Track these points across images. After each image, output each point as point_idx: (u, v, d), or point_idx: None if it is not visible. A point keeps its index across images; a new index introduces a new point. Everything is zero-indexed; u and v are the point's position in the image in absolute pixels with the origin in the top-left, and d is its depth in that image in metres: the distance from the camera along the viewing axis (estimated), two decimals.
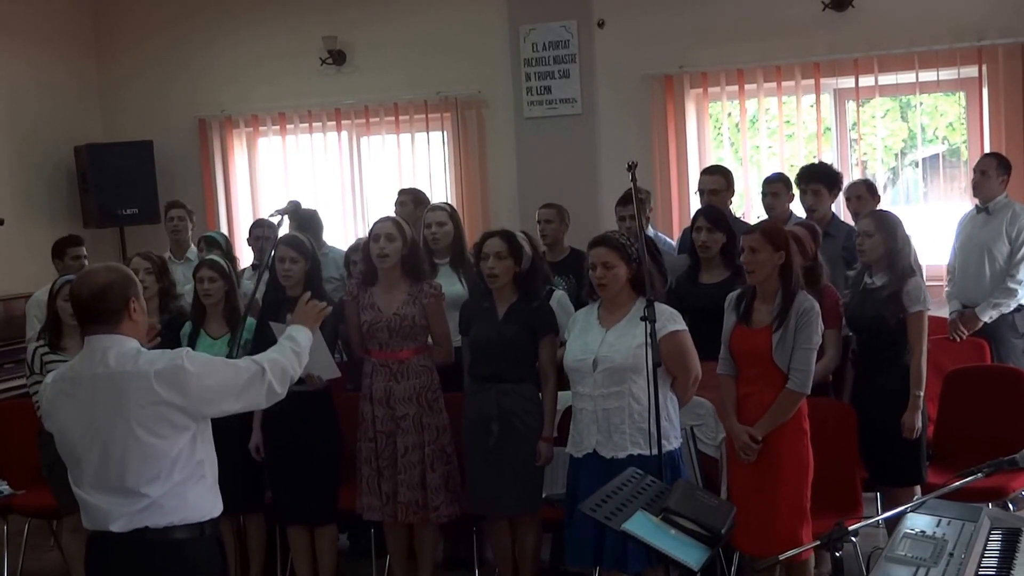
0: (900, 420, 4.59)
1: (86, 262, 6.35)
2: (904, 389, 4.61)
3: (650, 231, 6.04)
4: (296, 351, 3.42)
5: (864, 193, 6.01)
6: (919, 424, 4.61)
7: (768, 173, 6.42)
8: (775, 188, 5.95)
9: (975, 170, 5.97)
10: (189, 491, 3.14)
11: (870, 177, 6.86)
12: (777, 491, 4.15)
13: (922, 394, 4.61)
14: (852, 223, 6.03)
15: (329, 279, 5.70)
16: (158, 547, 3.11)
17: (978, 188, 5.92)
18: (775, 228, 4.36)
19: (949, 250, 6.08)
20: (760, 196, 6.23)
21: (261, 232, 6.43)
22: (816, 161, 6.63)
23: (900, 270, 4.69)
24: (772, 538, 4.03)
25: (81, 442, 3.12)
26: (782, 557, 2.98)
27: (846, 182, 6.26)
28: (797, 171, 6.19)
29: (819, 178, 5.88)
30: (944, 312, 5.95)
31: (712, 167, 6.38)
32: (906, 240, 4.81)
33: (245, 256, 7.00)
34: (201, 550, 3.19)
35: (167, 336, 4.93)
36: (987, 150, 6.54)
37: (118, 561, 3.14)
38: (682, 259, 5.52)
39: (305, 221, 6.11)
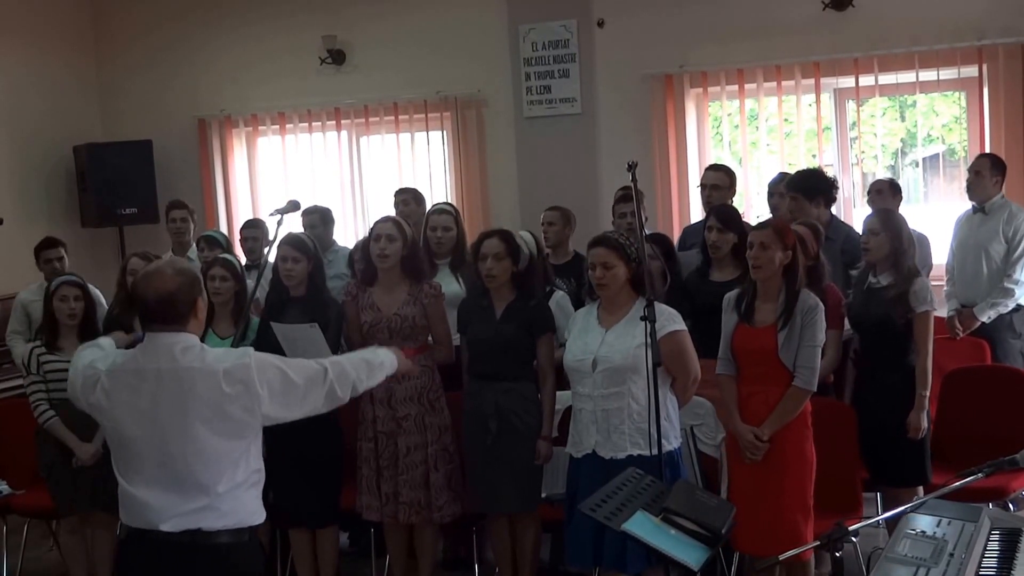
0: (905, 420, 4.58)
1: (57, 264, 6.21)
2: (909, 389, 4.60)
3: None
4: (368, 360, 3.32)
5: (886, 189, 6.00)
6: (925, 424, 4.61)
7: (767, 172, 6.40)
8: (779, 189, 5.94)
9: (969, 171, 5.97)
10: (244, 495, 3.06)
11: (869, 176, 6.84)
12: (782, 490, 4.15)
13: (927, 394, 4.60)
14: (851, 224, 6.03)
15: (341, 275, 5.79)
16: (205, 551, 3.01)
17: (972, 189, 5.92)
18: (786, 227, 4.36)
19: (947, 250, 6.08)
20: (763, 196, 6.20)
21: (251, 233, 6.46)
22: (816, 164, 6.60)
23: (905, 270, 4.68)
24: (777, 538, 4.00)
25: (139, 437, 3.01)
26: (782, 557, 2.98)
27: (846, 182, 6.23)
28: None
29: (796, 187, 5.66)
30: (944, 312, 5.95)
31: (716, 164, 6.37)
32: (911, 240, 4.78)
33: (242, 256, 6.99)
34: (246, 555, 3.10)
35: None
36: (988, 150, 6.53)
37: (160, 562, 3.02)
38: (691, 255, 5.50)
39: (324, 217, 6.32)
